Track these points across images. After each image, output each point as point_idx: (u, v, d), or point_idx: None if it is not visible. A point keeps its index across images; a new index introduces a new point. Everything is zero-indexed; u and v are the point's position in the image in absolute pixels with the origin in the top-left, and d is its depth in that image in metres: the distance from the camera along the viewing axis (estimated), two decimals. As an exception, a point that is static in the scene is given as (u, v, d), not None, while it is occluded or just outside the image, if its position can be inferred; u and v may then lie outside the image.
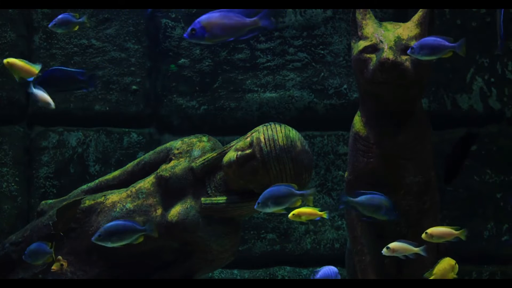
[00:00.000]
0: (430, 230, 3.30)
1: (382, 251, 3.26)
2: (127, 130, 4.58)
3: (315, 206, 4.53)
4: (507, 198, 4.45)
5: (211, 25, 3.08)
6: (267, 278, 4.52)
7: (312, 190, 3.19)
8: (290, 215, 3.22)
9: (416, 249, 3.27)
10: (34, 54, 4.54)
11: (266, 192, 3.14)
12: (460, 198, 4.46)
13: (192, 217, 3.52)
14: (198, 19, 3.10)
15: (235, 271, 4.53)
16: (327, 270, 3.20)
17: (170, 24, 4.57)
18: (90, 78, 3.61)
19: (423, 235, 3.30)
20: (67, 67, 3.85)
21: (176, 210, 3.55)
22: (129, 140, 4.57)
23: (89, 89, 3.71)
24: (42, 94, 3.50)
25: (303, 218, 3.25)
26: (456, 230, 3.31)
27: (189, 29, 3.08)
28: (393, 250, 3.25)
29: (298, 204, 3.16)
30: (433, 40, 3.26)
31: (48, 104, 3.49)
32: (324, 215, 3.20)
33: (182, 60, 4.59)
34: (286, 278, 4.53)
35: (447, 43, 3.22)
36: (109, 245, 3.29)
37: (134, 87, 4.58)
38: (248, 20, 3.11)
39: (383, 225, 3.68)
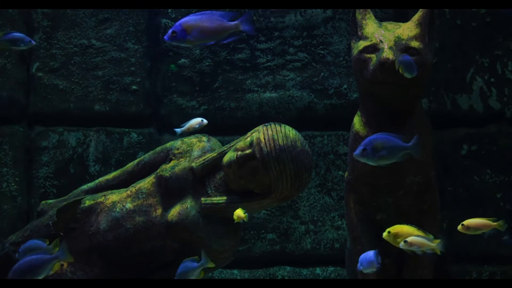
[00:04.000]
0: (466, 222, 3.21)
1: (400, 245, 3.22)
2: (127, 130, 4.58)
3: (314, 205, 4.56)
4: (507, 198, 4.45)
5: (192, 27, 3.04)
6: (267, 278, 4.51)
7: (210, 264, 3.21)
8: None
9: (433, 245, 3.21)
10: (34, 54, 4.54)
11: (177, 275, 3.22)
12: (460, 198, 4.46)
13: (192, 217, 3.51)
14: (179, 21, 3.05)
15: (235, 271, 4.53)
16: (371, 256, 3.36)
17: (170, 24, 4.57)
18: None
19: (459, 227, 3.24)
20: None
21: (176, 210, 3.55)
22: (129, 140, 4.56)
23: None
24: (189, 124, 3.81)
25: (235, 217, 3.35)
26: (493, 221, 3.24)
27: (170, 31, 3.04)
28: (410, 244, 3.20)
29: (202, 275, 3.22)
30: None
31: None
32: (245, 218, 3.32)
33: (182, 60, 4.59)
34: (286, 278, 4.52)
35: None
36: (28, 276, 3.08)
37: (134, 87, 4.58)
38: (229, 23, 3.08)
39: (383, 225, 3.69)
